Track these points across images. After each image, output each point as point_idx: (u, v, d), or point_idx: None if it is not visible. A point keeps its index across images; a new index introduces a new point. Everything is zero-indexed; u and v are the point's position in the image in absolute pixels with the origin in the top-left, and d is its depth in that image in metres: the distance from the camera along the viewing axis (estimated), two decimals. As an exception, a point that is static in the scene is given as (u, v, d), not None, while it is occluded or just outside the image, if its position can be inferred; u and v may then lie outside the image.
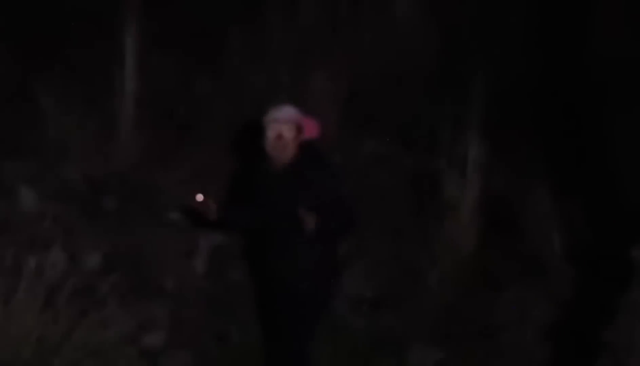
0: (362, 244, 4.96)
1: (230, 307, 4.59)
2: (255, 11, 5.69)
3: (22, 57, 5.30)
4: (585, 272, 4.81)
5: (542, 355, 4.50)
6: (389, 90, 5.67)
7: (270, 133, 3.77)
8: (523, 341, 4.58)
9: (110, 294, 4.24)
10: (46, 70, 5.11)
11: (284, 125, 3.79)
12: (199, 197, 3.87)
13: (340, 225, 3.73)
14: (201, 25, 5.58)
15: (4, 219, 4.43)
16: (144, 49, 5.16)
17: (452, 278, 4.96)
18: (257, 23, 5.65)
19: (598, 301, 4.29)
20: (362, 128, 5.54)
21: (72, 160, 4.95)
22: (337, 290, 4.05)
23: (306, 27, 5.78)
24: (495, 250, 4.98)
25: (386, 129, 5.49)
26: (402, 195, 5.30)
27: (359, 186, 5.12)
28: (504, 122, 5.40)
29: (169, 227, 4.84)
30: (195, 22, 5.61)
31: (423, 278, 4.93)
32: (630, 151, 4.70)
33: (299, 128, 3.82)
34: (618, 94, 4.87)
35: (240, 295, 4.56)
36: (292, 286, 3.78)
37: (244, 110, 5.16)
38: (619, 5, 5.25)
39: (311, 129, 3.91)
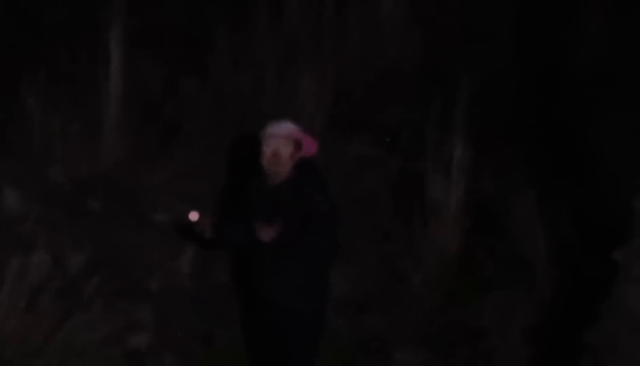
0: (347, 246, 4.64)
1: (216, 309, 4.55)
2: (241, 12, 5.66)
3: (7, 58, 5.24)
4: (569, 274, 4.80)
5: (526, 357, 4.50)
6: (375, 91, 5.67)
7: (267, 148, 3.73)
8: (508, 343, 4.58)
9: (94, 296, 4.30)
10: (31, 71, 5.04)
11: (282, 141, 3.75)
12: (194, 216, 3.81)
13: (320, 248, 3.72)
14: (187, 26, 5.61)
15: (-13, 220, 4.47)
16: (129, 50, 5.12)
17: (437, 281, 4.95)
18: (243, 24, 5.62)
19: (581, 303, 4.27)
20: (348, 130, 5.51)
21: (56, 161, 4.93)
22: (328, 311, 4.04)
23: (292, 29, 5.75)
24: (480, 252, 4.99)
25: (371, 131, 5.47)
26: (388, 197, 5.29)
27: (344, 188, 5.07)
28: (489, 124, 5.42)
29: (154, 228, 4.78)
30: (181, 23, 5.64)
31: (408, 281, 4.94)
32: (613, 153, 4.71)
33: (296, 145, 3.78)
34: (601, 96, 4.89)
35: (226, 296, 4.52)
36: (283, 308, 3.75)
37: (230, 112, 5.24)
38: (603, 8, 5.33)
39: (309, 147, 3.87)
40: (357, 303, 4.94)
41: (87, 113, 5.07)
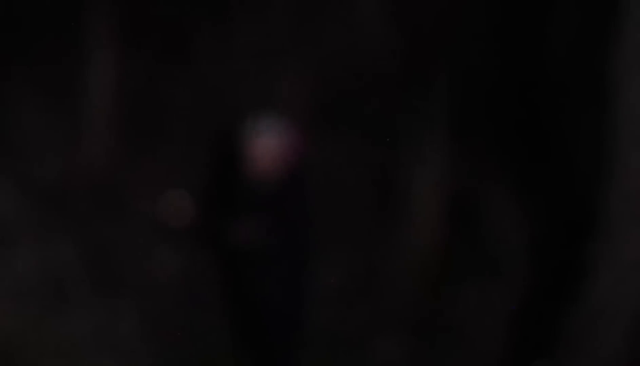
0: (325, 238, 4.95)
1: (202, 302, 4.67)
2: (223, 12, 5.68)
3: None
4: (544, 265, 4.97)
5: (502, 344, 4.70)
6: (356, 88, 5.71)
7: (256, 151, 3.96)
8: (484, 331, 4.81)
9: (79, 290, 4.44)
10: (15, 69, 5.07)
11: (271, 141, 3.96)
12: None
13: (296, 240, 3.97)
14: (170, 25, 5.56)
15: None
16: (112, 48, 5.19)
17: (415, 273, 5.10)
18: (224, 23, 5.63)
19: (555, 294, 4.45)
20: (329, 123, 5.58)
21: (41, 158, 4.96)
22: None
23: (274, 28, 5.72)
24: (457, 245, 5.16)
25: (353, 125, 5.53)
26: (368, 192, 5.39)
27: (326, 182, 5.18)
28: (469, 121, 5.45)
29: (139, 223, 4.89)
30: (164, 21, 5.59)
31: (386, 272, 5.10)
32: (587, 149, 4.79)
33: (283, 147, 3.96)
34: (576, 94, 5.01)
35: (213, 290, 4.68)
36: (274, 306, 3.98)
37: (213, 111, 5.31)
38: (577, 6, 5.38)
39: (295, 147, 4.02)
40: (338, 289, 5.01)
41: (72, 110, 5.11)
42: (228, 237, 4.27)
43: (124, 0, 5.48)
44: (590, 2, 4.91)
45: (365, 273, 5.16)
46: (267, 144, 4.10)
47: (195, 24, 5.71)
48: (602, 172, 4.19)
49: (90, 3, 5.25)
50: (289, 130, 4.16)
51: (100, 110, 5.08)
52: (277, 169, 4.10)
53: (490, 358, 4.73)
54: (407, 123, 5.29)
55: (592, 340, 4.07)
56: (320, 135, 5.38)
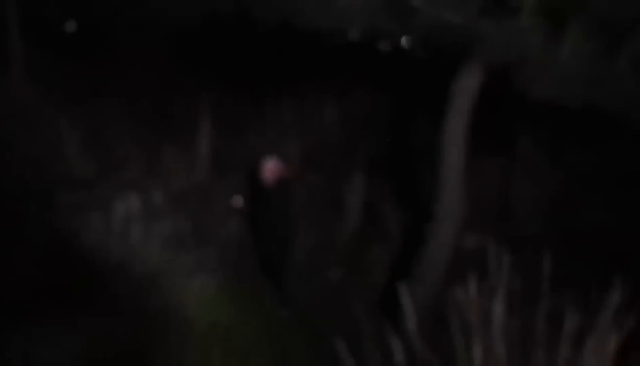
0: (305, 223, 6.77)
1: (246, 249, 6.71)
2: (261, 112, 9.04)
3: None
4: (405, 234, 6.98)
5: (387, 278, 6.44)
6: (323, 151, 8.87)
7: (266, 173, 5.77)
8: (379, 271, 6.73)
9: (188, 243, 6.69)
10: (165, 134, 8.07)
11: (269, 172, 5.86)
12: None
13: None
14: (237, 117, 8.80)
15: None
16: (207, 127, 8.24)
17: (347, 241, 7.38)
18: (261, 118, 9.01)
19: (410, 251, 5.78)
20: (309, 169, 8.37)
21: (174, 177, 7.77)
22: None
23: (284, 120, 9.03)
24: (368, 228, 7.50)
25: (321, 170, 8.41)
26: (326, 202, 7.88)
27: (305, 196, 7.26)
28: (375, 167, 8.11)
29: (218, 209, 7.32)
30: (234, 115, 8.86)
31: (333, 240, 7.41)
32: (428, 183, 5.71)
33: (278, 172, 5.76)
34: (426, 156, 5.95)
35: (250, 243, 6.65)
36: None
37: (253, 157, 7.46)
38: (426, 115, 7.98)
39: (284, 174, 5.83)
40: (310, 247, 7.04)
41: (189, 153, 8.04)
42: (255, 216, 6.06)
43: (216, 108, 8.53)
44: (431, 116, 5.89)
45: (322, 243, 7.29)
46: (271, 170, 5.79)
47: (247, 121, 9.11)
48: (435, 195, 5.27)
49: (201, 108, 8.40)
50: (281, 165, 5.89)
51: (204, 156, 8.13)
52: (276, 183, 5.77)
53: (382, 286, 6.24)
54: (345, 170, 7.90)
55: (430, 270, 5.43)
56: (303, 171, 8.10)
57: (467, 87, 4.81)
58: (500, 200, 7.40)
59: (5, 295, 4.20)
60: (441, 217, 5.23)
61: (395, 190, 7.90)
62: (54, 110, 8.19)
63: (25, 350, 3.55)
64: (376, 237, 7.38)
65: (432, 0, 3.95)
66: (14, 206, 5.87)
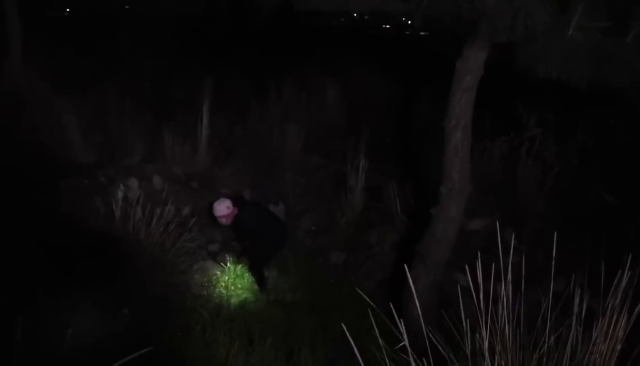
0: (308, 206, 7.52)
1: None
2: (263, 98, 8.99)
3: None
4: (412, 220, 6.81)
5: (391, 260, 6.43)
6: (325, 134, 8.80)
7: (219, 220, 6.39)
8: (383, 252, 6.68)
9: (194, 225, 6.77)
10: (167, 122, 8.06)
11: (220, 218, 6.38)
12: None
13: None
14: (238, 103, 8.78)
15: None
16: (211, 113, 8.17)
17: (350, 223, 7.28)
18: (264, 103, 8.93)
19: (415, 233, 5.63)
20: (312, 152, 8.57)
21: (178, 162, 7.86)
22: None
23: (286, 106, 9.05)
24: (370, 209, 7.35)
25: (323, 153, 8.45)
26: (328, 183, 8.02)
27: (309, 180, 8.12)
28: (377, 149, 8.05)
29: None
30: (235, 102, 8.88)
31: (338, 222, 7.36)
32: (434, 163, 5.50)
33: (226, 216, 6.30)
34: (431, 136, 5.87)
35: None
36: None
37: (257, 144, 8.28)
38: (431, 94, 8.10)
39: (229, 213, 6.32)
40: (314, 231, 7.34)
41: (192, 139, 8.02)
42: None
43: (217, 93, 8.45)
44: (435, 94, 6.03)
45: (326, 220, 7.39)
46: (222, 214, 6.29)
47: (249, 103, 9.04)
48: (439, 175, 5.15)
49: (202, 92, 8.33)
50: (227, 204, 6.33)
51: (206, 141, 8.16)
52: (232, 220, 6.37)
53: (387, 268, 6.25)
54: (348, 152, 7.73)
55: (435, 250, 5.26)
56: (306, 156, 8.30)
57: (472, 64, 4.73)
58: (505, 180, 7.29)
59: (10, 278, 4.14)
60: (446, 196, 5.12)
61: (400, 171, 7.82)
62: (54, 96, 8.15)
63: (30, 331, 3.52)
64: (380, 219, 7.23)
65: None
66: (15, 192, 5.84)
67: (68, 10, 21.12)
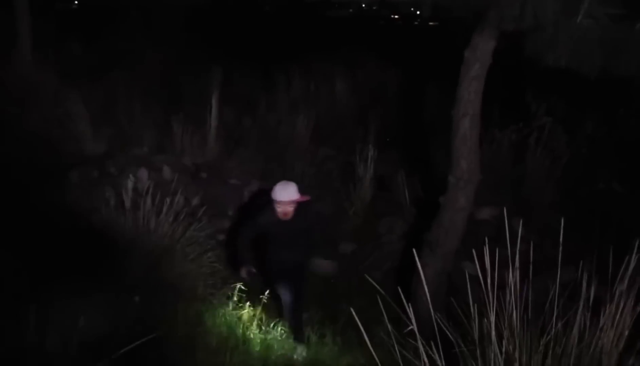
0: (317, 197, 6.93)
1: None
2: (272, 90, 9.09)
3: None
4: (420, 209, 6.92)
5: (396, 249, 6.56)
6: (334, 124, 8.86)
7: (278, 208, 5.04)
8: (391, 240, 6.83)
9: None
10: (177, 112, 8.01)
11: (287, 205, 5.03)
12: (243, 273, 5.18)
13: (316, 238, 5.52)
14: (247, 95, 8.86)
15: None
16: (220, 106, 8.22)
17: (359, 212, 7.37)
18: (272, 95, 9.02)
19: (422, 219, 5.84)
20: (320, 142, 8.60)
21: (187, 153, 7.87)
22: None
23: (296, 97, 9.10)
24: (379, 199, 7.52)
25: (332, 143, 8.53)
26: (338, 174, 8.11)
27: (318, 169, 8.23)
28: (384, 141, 8.25)
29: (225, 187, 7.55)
30: (244, 94, 8.95)
31: (346, 211, 7.45)
32: (441, 153, 6.14)
33: (295, 203, 5.04)
34: (438, 127, 6.59)
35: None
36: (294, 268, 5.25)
37: (266, 134, 8.33)
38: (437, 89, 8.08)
39: (304, 199, 5.10)
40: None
41: (202, 130, 8.02)
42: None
43: (226, 84, 8.51)
44: (443, 83, 6.06)
45: (335, 211, 7.38)
46: (290, 200, 5.06)
47: (257, 94, 9.18)
48: (448, 165, 5.25)
49: (211, 83, 8.37)
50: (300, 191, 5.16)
51: (214, 131, 8.25)
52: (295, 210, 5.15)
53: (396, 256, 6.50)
54: (356, 143, 7.79)
55: (445, 238, 5.40)
56: (315, 146, 8.38)
57: (481, 53, 4.76)
58: (514, 169, 7.32)
59: (20, 270, 4.25)
60: (454, 185, 5.18)
61: (409, 161, 7.86)
62: (64, 87, 8.22)
63: (41, 322, 3.58)
64: (389, 209, 7.33)
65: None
66: (26, 182, 5.89)
67: (76, 2, 21.16)
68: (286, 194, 4.98)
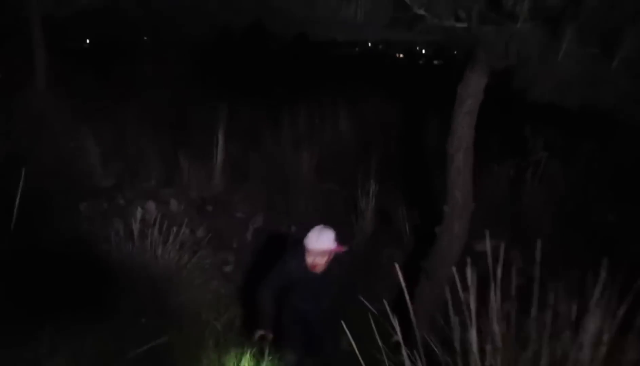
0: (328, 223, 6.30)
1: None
2: (277, 126, 9.32)
3: None
4: (417, 235, 7.07)
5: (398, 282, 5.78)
6: (337, 159, 9.02)
7: (309, 259, 4.14)
8: (388, 257, 6.78)
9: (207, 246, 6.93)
10: (185, 147, 8.27)
11: (319, 255, 4.15)
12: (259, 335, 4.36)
13: (344, 302, 4.47)
14: (252, 130, 9.07)
15: None
16: (226, 139, 8.42)
17: (360, 245, 7.33)
18: (277, 130, 9.23)
19: (420, 249, 5.88)
20: (324, 176, 8.73)
21: (193, 186, 8.06)
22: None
23: (301, 131, 9.32)
24: (381, 230, 7.58)
25: (335, 177, 8.64)
26: (341, 207, 8.09)
27: (323, 204, 8.15)
28: (386, 175, 8.20)
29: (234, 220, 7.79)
30: (250, 128, 9.15)
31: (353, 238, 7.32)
32: (437, 182, 6.09)
33: (330, 254, 4.21)
34: (437, 159, 5.98)
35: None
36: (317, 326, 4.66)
37: (271, 168, 8.46)
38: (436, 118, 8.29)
39: (340, 250, 4.31)
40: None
41: (208, 162, 8.27)
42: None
43: (232, 119, 8.76)
44: (441, 116, 6.28)
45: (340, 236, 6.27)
46: (320, 256, 4.32)
47: (263, 129, 9.36)
48: (445, 194, 5.34)
49: (218, 118, 8.65)
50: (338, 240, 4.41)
51: (221, 165, 8.39)
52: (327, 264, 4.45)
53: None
54: (358, 176, 7.84)
55: (441, 265, 5.37)
56: (319, 180, 8.53)
57: (473, 89, 4.95)
58: (512, 203, 7.44)
59: (33, 296, 4.43)
60: (449, 214, 5.30)
61: (409, 194, 7.95)
62: (76, 122, 8.46)
63: (53, 345, 3.73)
64: (390, 241, 7.40)
65: (435, 9, 4.08)
66: (38, 214, 6.05)
67: (88, 41, 21.74)
68: (320, 242, 4.22)
